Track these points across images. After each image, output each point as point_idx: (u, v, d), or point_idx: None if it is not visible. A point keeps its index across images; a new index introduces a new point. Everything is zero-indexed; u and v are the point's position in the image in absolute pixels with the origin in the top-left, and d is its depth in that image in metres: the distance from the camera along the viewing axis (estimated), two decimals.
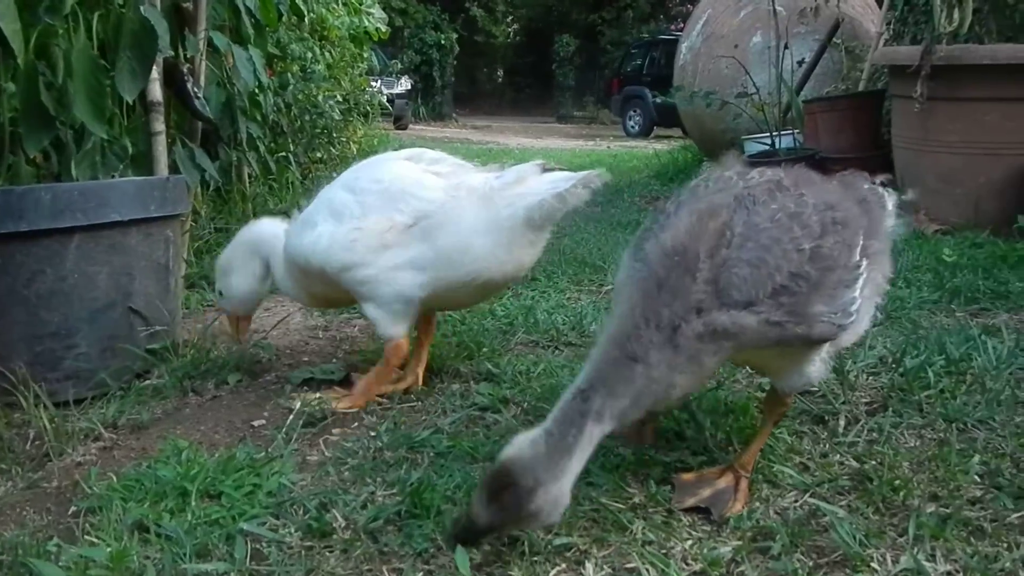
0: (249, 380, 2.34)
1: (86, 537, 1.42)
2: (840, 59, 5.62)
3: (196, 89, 3.65)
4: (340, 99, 8.14)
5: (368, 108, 9.85)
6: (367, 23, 8.95)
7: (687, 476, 1.60)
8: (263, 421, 2.01)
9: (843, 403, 1.95)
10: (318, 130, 7.42)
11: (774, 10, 5.19)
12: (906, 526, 1.41)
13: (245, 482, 1.58)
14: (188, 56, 3.51)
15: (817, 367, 1.48)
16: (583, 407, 1.28)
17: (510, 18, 32.20)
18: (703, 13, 6.76)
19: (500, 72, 33.90)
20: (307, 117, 6.97)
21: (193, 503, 1.50)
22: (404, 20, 24.76)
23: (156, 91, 2.73)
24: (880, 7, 5.32)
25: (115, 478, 1.64)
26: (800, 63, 5.33)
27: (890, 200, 1.64)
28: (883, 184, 1.69)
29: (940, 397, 1.94)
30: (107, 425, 2.00)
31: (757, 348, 1.37)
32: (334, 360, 2.48)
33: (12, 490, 1.69)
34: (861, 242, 1.41)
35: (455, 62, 26.37)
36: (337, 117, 7.87)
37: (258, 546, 1.41)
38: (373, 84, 10.46)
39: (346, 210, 1.99)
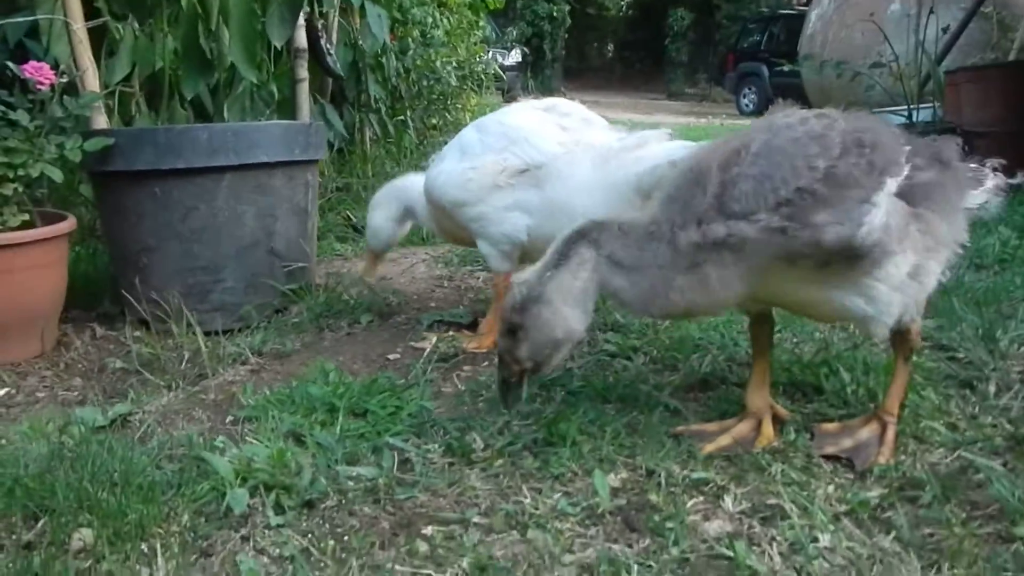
0: (380, 321, 2.43)
1: (246, 440, 1.52)
2: (988, 29, 5.31)
3: (329, 46, 3.79)
4: (456, 66, 8.24)
5: (483, 77, 9.94)
6: None
7: (828, 426, 1.58)
8: (398, 355, 2.10)
9: (993, 370, 1.88)
10: (435, 96, 7.53)
11: None
12: None
13: (388, 403, 1.66)
14: (323, 12, 3.65)
15: (884, 292, 1.40)
16: (579, 232, 1.43)
17: None
18: None
19: (611, 47, 33.51)
20: (425, 83, 7.08)
21: (341, 418, 1.59)
22: None
23: (302, 38, 2.85)
24: None
25: (268, 392, 1.75)
26: (944, 31, 5.06)
27: (987, 177, 1.62)
28: (994, 168, 1.66)
29: None
30: (254, 352, 2.14)
31: (779, 270, 1.37)
32: (460, 307, 2.55)
33: (174, 400, 1.84)
34: (896, 169, 1.40)
35: (566, 35, 26.21)
36: (454, 83, 7.98)
37: (404, 458, 1.49)
38: (487, 53, 10.56)
39: (469, 148, 2.07)
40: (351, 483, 1.41)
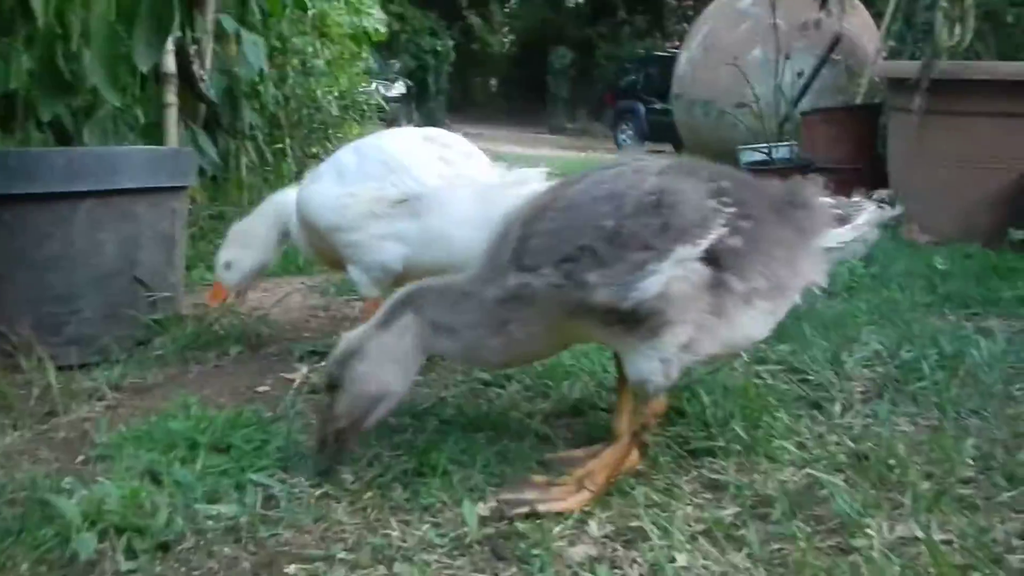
0: (250, 352, 2.36)
1: (97, 480, 1.44)
2: (838, 74, 5.72)
3: (202, 71, 3.69)
4: (337, 96, 8.17)
5: (365, 107, 9.89)
6: (366, 23, 9.00)
7: (538, 478, 1.53)
8: (267, 388, 2.05)
9: (839, 391, 2.00)
10: (315, 125, 7.44)
11: (775, 23, 5.28)
12: (902, 500, 1.46)
13: (254, 438, 1.61)
14: (196, 37, 3.55)
15: (652, 364, 1.40)
16: (405, 298, 1.51)
17: (506, 28, 32.39)
18: (703, 26, 6.86)
19: (494, 82, 34.05)
20: (305, 111, 7.00)
21: (203, 454, 1.53)
22: (402, 25, 24.82)
23: (170, 63, 2.77)
24: (878, 27, 5.42)
25: (124, 429, 1.66)
26: (799, 75, 5.42)
27: (861, 212, 1.61)
28: (881, 200, 1.67)
29: (934, 388, 1.99)
30: (111, 386, 2.03)
31: (575, 323, 1.42)
32: (334, 336, 2.50)
33: (19, 439, 1.72)
34: (697, 233, 1.37)
35: (450, 69, 26.47)
36: (335, 113, 7.91)
37: (268, 494, 1.44)
38: (370, 84, 10.53)
39: (347, 171, 2.06)
40: (211, 522, 1.35)
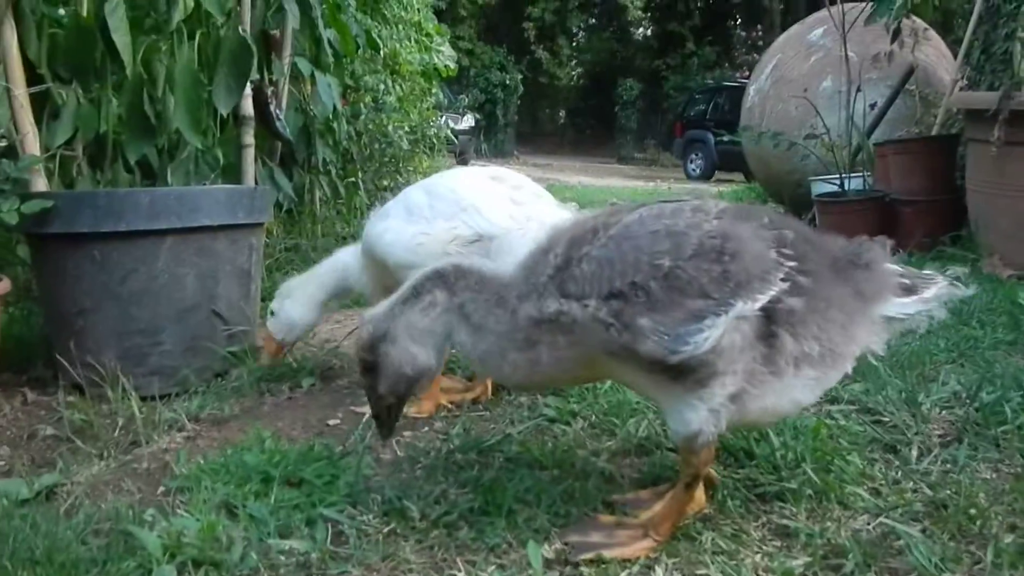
0: (322, 384, 2.42)
1: (177, 512, 1.48)
2: (912, 105, 5.58)
3: (278, 111, 3.82)
4: (408, 130, 8.35)
5: (435, 141, 10.07)
6: (436, 60, 9.20)
7: (605, 519, 1.52)
8: (337, 421, 2.09)
9: (916, 434, 1.93)
10: (386, 159, 7.61)
11: (846, 55, 5.20)
12: (983, 553, 1.40)
13: (324, 472, 1.63)
14: (273, 80, 3.68)
15: (700, 415, 1.33)
16: (439, 273, 1.44)
17: (574, 62, 32.63)
18: (772, 58, 6.79)
19: (562, 113, 34.27)
20: (376, 146, 7.17)
21: (275, 488, 1.57)
22: (471, 60, 25.29)
23: (248, 107, 2.88)
24: (955, 57, 5.29)
25: (202, 461, 1.71)
26: (872, 107, 5.30)
27: (930, 285, 1.48)
28: (956, 278, 1.51)
29: (1018, 432, 1.91)
30: (191, 417, 2.10)
31: (610, 361, 1.35)
32: None
33: (105, 469, 1.79)
34: (758, 287, 1.30)
35: (518, 102, 26.78)
36: (405, 147, 8.07)
37: (338, 530, 1.47)
38: (440, 118, 10.73)
39: (417, 210, 2.09)
40: (283, 558, 1.38)
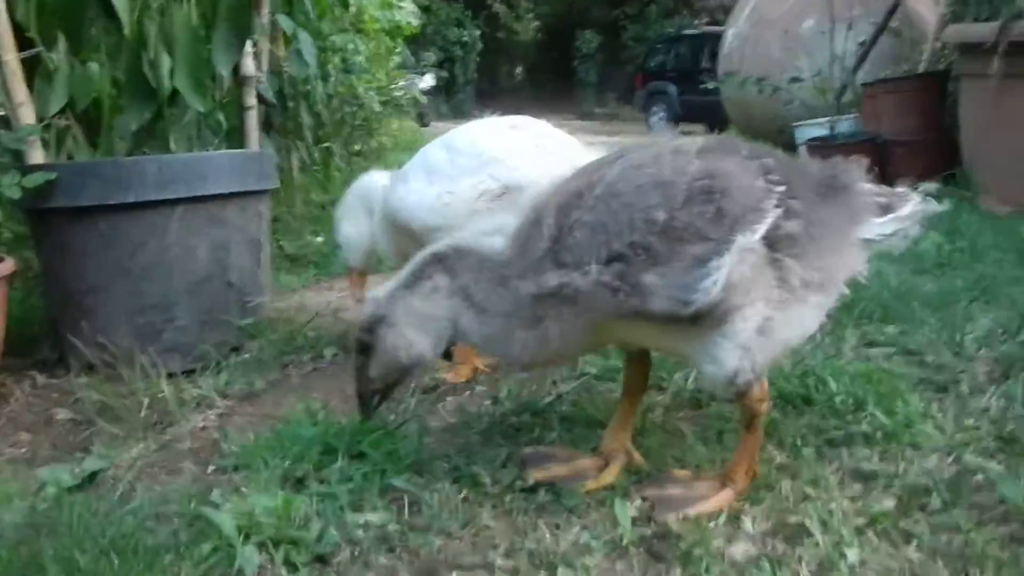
0: (345, 354, 2.34)
1: (241, 490, 1.42)
2: (895, 43, 5.57)
3: (259, 73, 3.67)
4: (377, 91, 8.17)
5: (403, 102, 9.87)
6: (399, 16, 8.96)
7: (679, 472, 1.50)
8: None
9: (962, 372, 1.93)
10: (357, 122, 7.43)
11: None
12: None
13: (383, 442, 1.58)
14: (253, 39, 3.54)
15: (730, 353, 1.30)
16: (437, 256, 1.41)
17: (530, 15, 32.18)
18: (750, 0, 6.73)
19: (519, 69, 33.89)
20: (348, 109, 6.98)
21: (340, 461, 1.51)
22: (428, 17, 24.78)
23: (249, 65, 2.75)
24: None
25: (251, 437, 1.65)
26: (861, 44, 5.27)
27: (905, 203, 1.46)
28: (927, 193, 1.50)
29: None
30: (220, 394, 2.02)
31: (620, 323, 1.31)
32: None
33: (146, 451, 1.71)
34: (754, 217, 1.27)
35: (478, 59, 26.41)
36: (376, 109, 7.90)
37: (411, 499, 1.42)
38: (406, 78, 10.50)
39: (438, 168, 1.99)
40: (361, 532, 1.33)
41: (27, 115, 2.28)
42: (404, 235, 2.12)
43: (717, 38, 20.35)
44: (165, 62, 2.43)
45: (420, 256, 1.44)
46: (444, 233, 1.95)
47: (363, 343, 1.44)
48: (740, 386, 1.33)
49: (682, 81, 19.75)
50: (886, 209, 1.44)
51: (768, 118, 6.23)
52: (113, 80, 2.42)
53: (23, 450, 1.87)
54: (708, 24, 22.97)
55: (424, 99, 14.05)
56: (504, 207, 1.92)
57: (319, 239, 3.99)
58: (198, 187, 2.25)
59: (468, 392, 1.99)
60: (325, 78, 6.24)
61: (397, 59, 9.66)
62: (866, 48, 5.24)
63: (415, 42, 20.34)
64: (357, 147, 7.56)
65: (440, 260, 1.41)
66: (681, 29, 23.15)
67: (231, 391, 2.05)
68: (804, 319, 1.36)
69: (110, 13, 2.24)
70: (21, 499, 1.48)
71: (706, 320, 1.27)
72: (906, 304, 2.36)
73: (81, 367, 2.26)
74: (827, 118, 4.81)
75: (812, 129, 5.00)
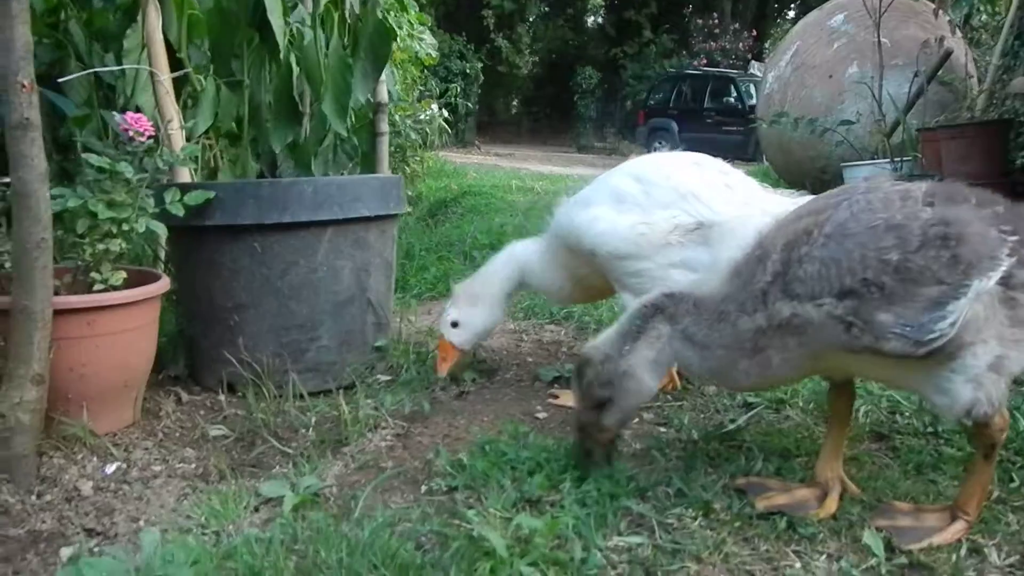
0: (484, 379, 2.35)
1: (480, 511, 1.42)
2: (939, 91, 5.70)
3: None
4: (413, 121, 8.24)
5: (428, 131, 9.94)
6: (418, 47, 9.05)
7: (901, 504, 1.53)
8: (546, 414, 2.03)
9: None
10: (392, 150, 7.48)
11: (879, 41, 5.28)
12: None
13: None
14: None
15: (960, 387, 1.33)
16: (655, 306, 1.50)
17: (528, 51, 32.54)
18: (792, 44, 6.86)
19: (515, 102, 34.19)
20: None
21: (568, 483, 1.52)
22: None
23: (383, 92, 2.78)
24: (966, 42, 5.42)
25: (465, 458, 1.65)
26: (918, 93, 5.38)
27: None
28: None
29: None
30: (390, 414, 2.02)
31: (843, 355, 1.35)
32: (561, 362, 2.49)
33: (346, 470, 1.71)
34: (989, 265, 1.31)
35: (479, 91, 26.64)
36: (413, 137, 7.97)
37: (650, 523, 1.43)
38: (432, 107, 10.58)
39: (629, 198, 2.02)
40: (615, 555, 1.34)
41: (178, 134, 2.30)
42: (577, 259, 2.13)
43: (718, 78, 20.62)
44: (307, 87, 2.46)
45: (635, 309, 1.54)
46: (632, 262, 1.98)
47: (599, 399, 1.52)
48: (979, 417, 1.36)
49: (683, 118, 20.07)
50: None
51: (810, 157, 6.33)
52: (250, 100, 2.44)
53: (193, 466, 1.86)
54: (706, 66, 23.38)
55: (449, 130, 14.16)
56: (695, 241, 1.95)
57: None
58: (348, 210, 2.27)
59: (636, 420, 2.00)
60: None
61: (419, 90, 9.74)
62: (918, 92, 5.35)
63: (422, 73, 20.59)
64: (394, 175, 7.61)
65: (659, 309, 1.51)
66: (683, 68, 23.56)
67: (404, 412, 2.05)
68: None
69: (264, 38, 2.27)
70: (242, 515, 1.48)
71: (936, 355, 1.31)
72: None
73: (218, 383, 2.26)
74: (882, 160, 4.90)
75: (865, 169, 5.09)
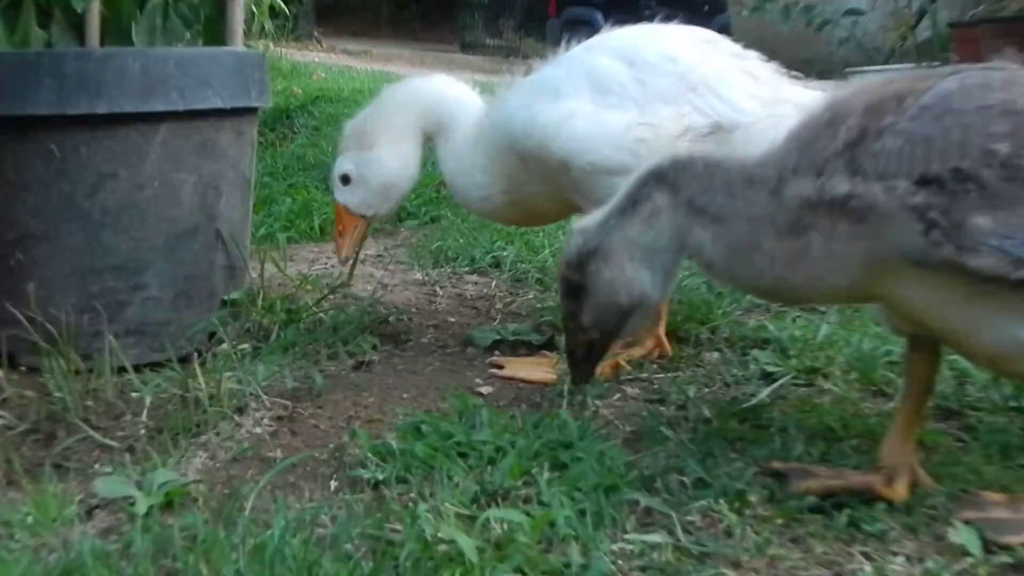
0: (393, 345, 2.37)
1: (446, 504, 1.44)
2: None
3: None
4: None
5: (254, 9, 9.72)
6: None
7: (995, 496, 1.62)
8: (491, 388, 2.08)
9: None
10: None
11: None
12: None
13: (588, 449, 1.64)
14: None
15: None
16: (656, 173, 1.56)
17: None
18: None
19: None
20: None
21: (546, 473, 1.55)
22: None
23: None
24: None
25: (395, 443, 1.67)
26: None
27: None
28: None
29: None
30: (266, 391, 2.00)
31: (907, 271, 1.42)
32: (500, 322, 2.52)
33: (212, 463, 1.72)
34: None
35: None
36: None
37: (664, 519, 1.50)
38: None
39: (619, 88, 2.02)
40: (623, 561, 1.39)
41: None
42: (532, 171, 2.13)
43: None
44: None
45: (635, 177, 1.58)
46: (623, 178, 1.98)
47: (572, 284, 1.58)
48: None
49: (613, 6, 20.29)
50: None
51: (803, 60, 6.50)
52: None
53: None
54: None
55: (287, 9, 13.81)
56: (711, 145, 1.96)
57: None
58: (193, 98, 2.21)
59: (618, 395, 2.05)
60: None
61: None
62: None
63: None
64: None
65: (658, 176, 1.55)
66: None
67: (270, 387, 2.03)
68: None
69: None
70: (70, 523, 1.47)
71: None
72: None
73: None
74: (902, 65, 5.12)
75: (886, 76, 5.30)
